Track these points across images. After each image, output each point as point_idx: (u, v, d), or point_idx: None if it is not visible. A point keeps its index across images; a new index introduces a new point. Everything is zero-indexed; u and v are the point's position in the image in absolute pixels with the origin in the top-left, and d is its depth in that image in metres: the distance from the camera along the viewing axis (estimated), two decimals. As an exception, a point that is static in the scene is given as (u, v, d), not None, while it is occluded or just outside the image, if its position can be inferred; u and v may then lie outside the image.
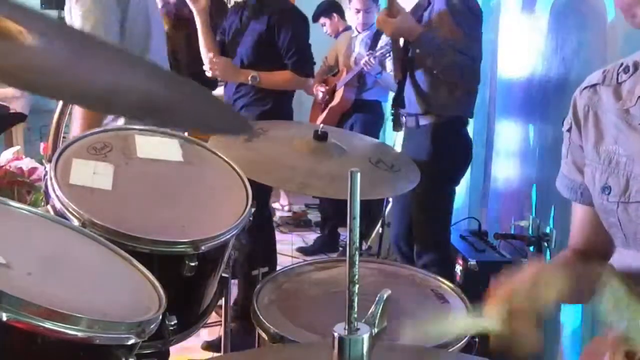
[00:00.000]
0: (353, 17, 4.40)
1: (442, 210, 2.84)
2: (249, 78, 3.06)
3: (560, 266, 1.20)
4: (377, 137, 4.25)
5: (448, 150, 2.72)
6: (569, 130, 1.22)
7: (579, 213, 1.25)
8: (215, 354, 2.79)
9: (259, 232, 2.97)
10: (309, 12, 4.78)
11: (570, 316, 2.43)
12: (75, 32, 0.76)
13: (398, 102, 2.87)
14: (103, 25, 2.17)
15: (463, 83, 2.68)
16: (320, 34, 4.99)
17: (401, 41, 2.78)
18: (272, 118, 2.91)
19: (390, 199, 3.36)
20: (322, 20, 4.93)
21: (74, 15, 2.21)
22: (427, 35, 2.56)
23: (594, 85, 1.18)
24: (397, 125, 2.94)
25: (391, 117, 2.98)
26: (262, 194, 2.85)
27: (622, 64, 1.15)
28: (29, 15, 0.66)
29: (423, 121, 2.75)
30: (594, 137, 1.16)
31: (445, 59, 2.55)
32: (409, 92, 2.79)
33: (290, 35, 3.09)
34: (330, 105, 4.51)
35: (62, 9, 2.51)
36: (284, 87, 3.16)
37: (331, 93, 4.56)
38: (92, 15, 2.14)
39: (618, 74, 1.15)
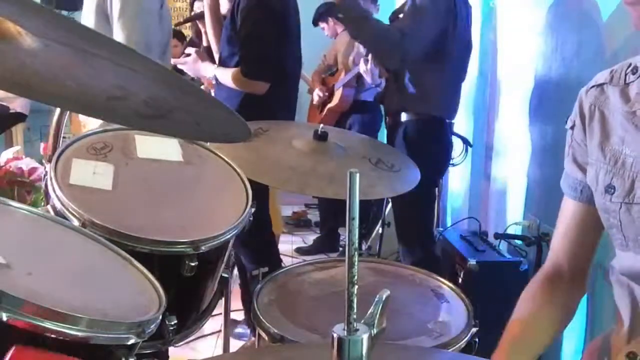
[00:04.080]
0: None
1: (422, 212, 2.89)
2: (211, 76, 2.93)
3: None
4: (376, 138, 4.26)
5: (424, 150, 2.72)
6: (572, 127, 1.22)
7: (570, 210, 1.24)
8: None
9: (258, 233, 2.94)
10: (310, 14, 4.80)
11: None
12: (79, 29, 0.75)
13: (381, 100, 2.97)
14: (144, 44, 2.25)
15: (387, 62, 2.80)
16: (320, 33, 4.99)
17: None
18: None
19: (390, 199, 3.37)
20: (321, 24, 4.92)
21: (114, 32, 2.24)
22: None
23: (601, 85, 1.17)
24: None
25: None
26: (260, 194, 2.76)
27: (630, 65, 1.14)
28: (28, 11, 0.65)
29: (402, 118, 2.82)
30: (600, 136, 1.15)
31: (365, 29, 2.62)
32: (392, 89, 2.86)
33: (245, 30, 2.73)
34: (328, 106, 4.50)
35: (63, 9, 2.52)
36: (235, 87, 2.79)
37: (329, 93, 4.55)
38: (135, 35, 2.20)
39: (626, 75, 1.14)
